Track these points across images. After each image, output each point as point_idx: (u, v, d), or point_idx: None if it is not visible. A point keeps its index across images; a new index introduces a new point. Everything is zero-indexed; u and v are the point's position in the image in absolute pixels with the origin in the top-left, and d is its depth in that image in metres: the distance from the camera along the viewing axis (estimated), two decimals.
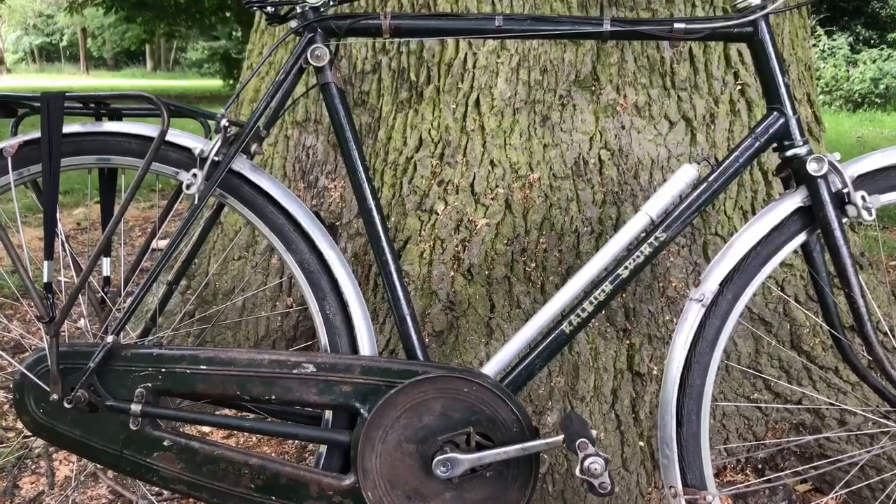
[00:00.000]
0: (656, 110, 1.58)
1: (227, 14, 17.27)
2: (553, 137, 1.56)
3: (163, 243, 3.23)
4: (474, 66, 1.56)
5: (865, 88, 12.06)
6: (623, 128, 1.57)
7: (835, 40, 13.09)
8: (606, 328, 1.53)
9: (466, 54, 1.56)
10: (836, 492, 1.51)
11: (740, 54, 1.60)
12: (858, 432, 1.53)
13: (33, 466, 1.68)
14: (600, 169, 1.56)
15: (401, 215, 1.60)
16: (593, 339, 1.52)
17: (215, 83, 22.26)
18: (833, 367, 1.58)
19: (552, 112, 1.57)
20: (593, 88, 1.57)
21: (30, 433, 1.16)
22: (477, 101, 1.57)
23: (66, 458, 1.70)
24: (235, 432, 1.78)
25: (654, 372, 1.53)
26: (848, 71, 12.39)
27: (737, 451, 1.61)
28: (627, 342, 1.53)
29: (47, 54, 39.02)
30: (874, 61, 12.38)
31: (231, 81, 19.03)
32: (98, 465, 1.58)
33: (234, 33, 22.26)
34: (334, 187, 1.75)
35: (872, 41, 13.55)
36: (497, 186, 1.55)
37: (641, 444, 1.51)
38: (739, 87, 1.60)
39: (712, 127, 1.60)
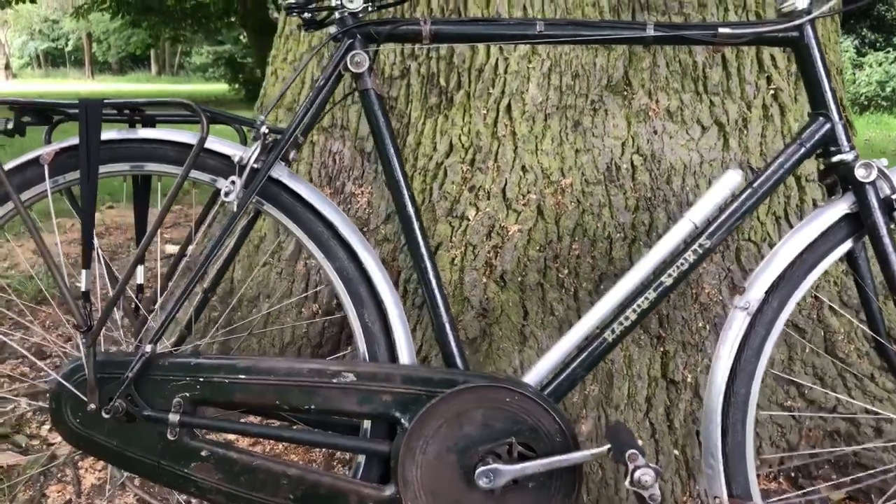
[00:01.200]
0: (689, 115, 1.57)
1: (233, 19, 17.30)
2: (585, 143, 1.55)
3: (172, 249, 3.22)
4: (506, 72, 1.55)
5: (872, 91, 12.05)
6: (655, 133, 1.56)
7: (840, 43, 13.06)
8: (640, 335, 1.51)
9: (498, 59, 1.55)
10: None
11: (773, 58, 1.59)
12: None
13: (59, 475, 1.66)
14: (633, 174, 1.54)
15: (431, 221, 1.59)
16: (627, 346, 1.51)
17: (220, 87, 22.30)
18: (869, 375, 1.56)
19: (584, 117, 1.55)
20: (625, 93, 1.55)
21: (68, 443, 1.15)
22: (508, 107, 1.55)
23: (91, 465, 1.69)
24: (261, 440, 1.77)
25: (689, 380, 1.52)
26: (854, 74, 12.37)
27: (770, 460, 1.59)
28: (661, 349, 1.52)
29: (52, 59, 39.15)
30: (880, 64, 12.36)
31: (236, 86, 19.03)
32: (125, 473, 1.57)
33: (240, 38, 22.32)
34: (361, 193, 1.74)
35: (878, 44, 13.52)
36: (529, 192, 1.54)
37: (676, 452, 1.50)
38: (772, 92, 1.59)
39: (745, 132, 1.58)
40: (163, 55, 36.60)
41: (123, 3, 15.95)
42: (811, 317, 1.59)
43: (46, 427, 1.85)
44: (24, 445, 1.76)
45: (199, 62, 31.94)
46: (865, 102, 12.08)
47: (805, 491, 1.54)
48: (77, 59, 37.75)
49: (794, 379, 1.56)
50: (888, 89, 11.97)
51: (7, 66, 31.60)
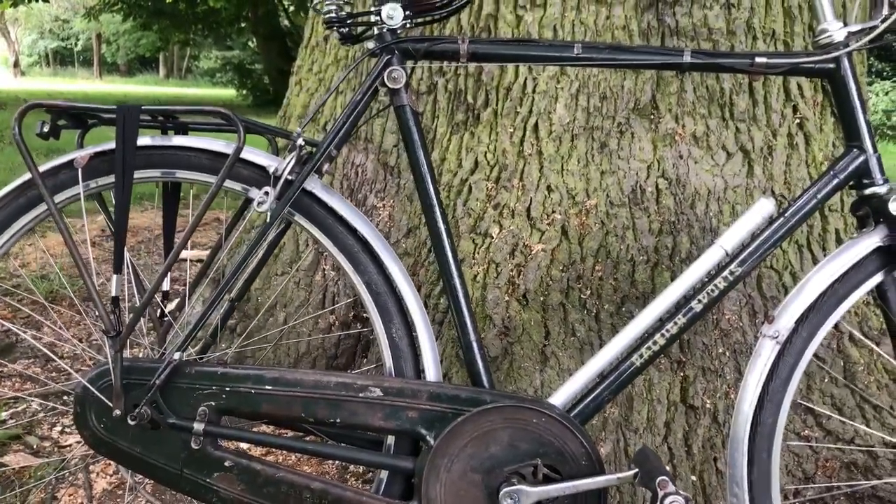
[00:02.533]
0: (714, 141, 1.57)
1: (243, 25, 17.39)
2: (611, 164, 1.55)
3: (190, 254, 3.21)
4: (534, 91, 1.56)
5: (878, 120, 12.09)
6: (681, 157, 1.56)
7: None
8: (661, 360, 1.51)
9: (526, 79, 1.56)
10: None
11: (800, 88, 1.59)
12: None
13: (71, 479, 1.65)
14: (657, 198, 1.55)
15: (454, 237, 1.58)
16: (647, 370, 1.50)
17: (228, 92, 22.35)
18: (888, 406, 1.56)
19: (610, 139, 1.56)
20: (652, 117, 1.56)
21: (90, 448, 1.14)
22: (535, 126, 1.56)
23: (103, 470, 1.68)
24: (273, 450, 1.76)
25: (708, 405, 1.51)
26: None
27: (786, 490, 1.58)
28: (681, 374, 1.51)
29: (61, 58, 39.27)
30: (887, 93, 12.42)
31: (244, 91, 19.11)
32: (136, 479, 1.56)
33: (248, 44, 22.41)
34: (383, 206, 1.74)
35: (885, 73, 13.59)
36: (553, 212, 1.54)
37: (693, 478, 1.49)
38: (798, 121, 1.59)
39: (770, 159, 1.59)
40: (171, 58, 36.72)
41: (135, 5, 16.05)
42: (831, 347, 1.59)
43: (58, 429, 1.84)
44: (35, 447, 1.75)
45: (207, 66, 32.05)
46: None
47: None
48: (86, 59, 37.87)
49: (813, 407, 1.55)
50: (894, 118, 12.02)
51: (16, 64, 31.71)
